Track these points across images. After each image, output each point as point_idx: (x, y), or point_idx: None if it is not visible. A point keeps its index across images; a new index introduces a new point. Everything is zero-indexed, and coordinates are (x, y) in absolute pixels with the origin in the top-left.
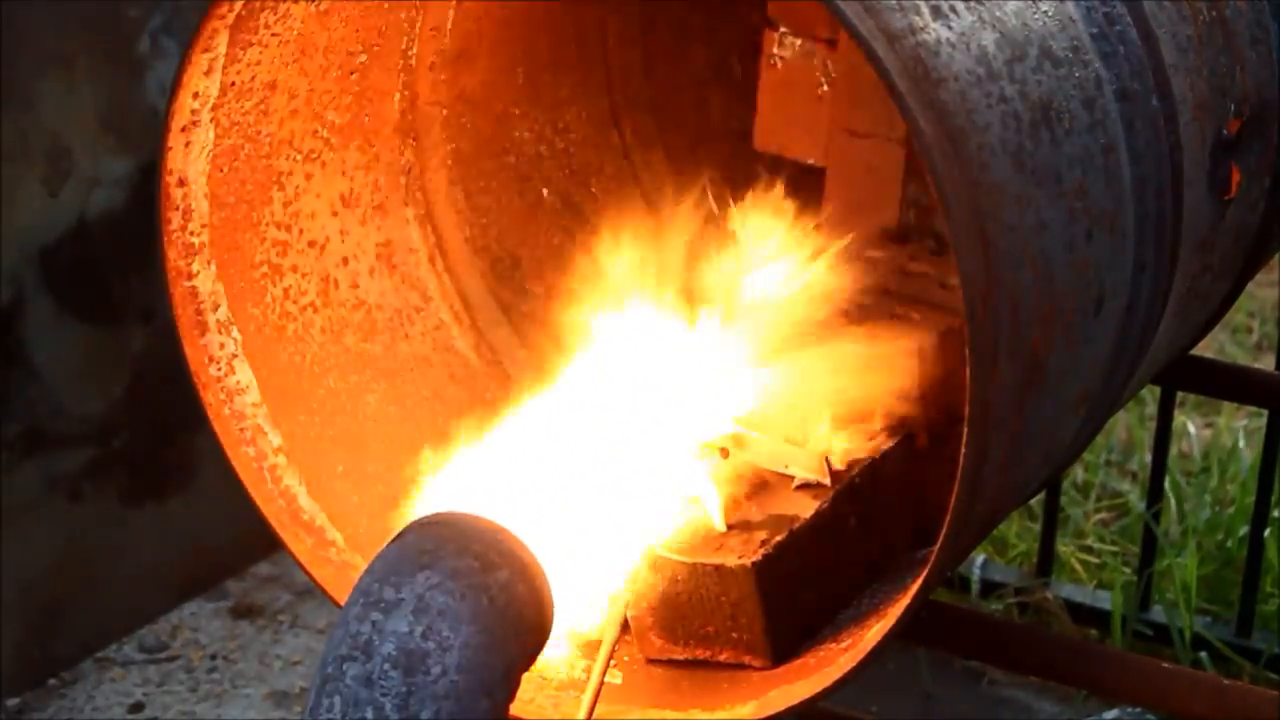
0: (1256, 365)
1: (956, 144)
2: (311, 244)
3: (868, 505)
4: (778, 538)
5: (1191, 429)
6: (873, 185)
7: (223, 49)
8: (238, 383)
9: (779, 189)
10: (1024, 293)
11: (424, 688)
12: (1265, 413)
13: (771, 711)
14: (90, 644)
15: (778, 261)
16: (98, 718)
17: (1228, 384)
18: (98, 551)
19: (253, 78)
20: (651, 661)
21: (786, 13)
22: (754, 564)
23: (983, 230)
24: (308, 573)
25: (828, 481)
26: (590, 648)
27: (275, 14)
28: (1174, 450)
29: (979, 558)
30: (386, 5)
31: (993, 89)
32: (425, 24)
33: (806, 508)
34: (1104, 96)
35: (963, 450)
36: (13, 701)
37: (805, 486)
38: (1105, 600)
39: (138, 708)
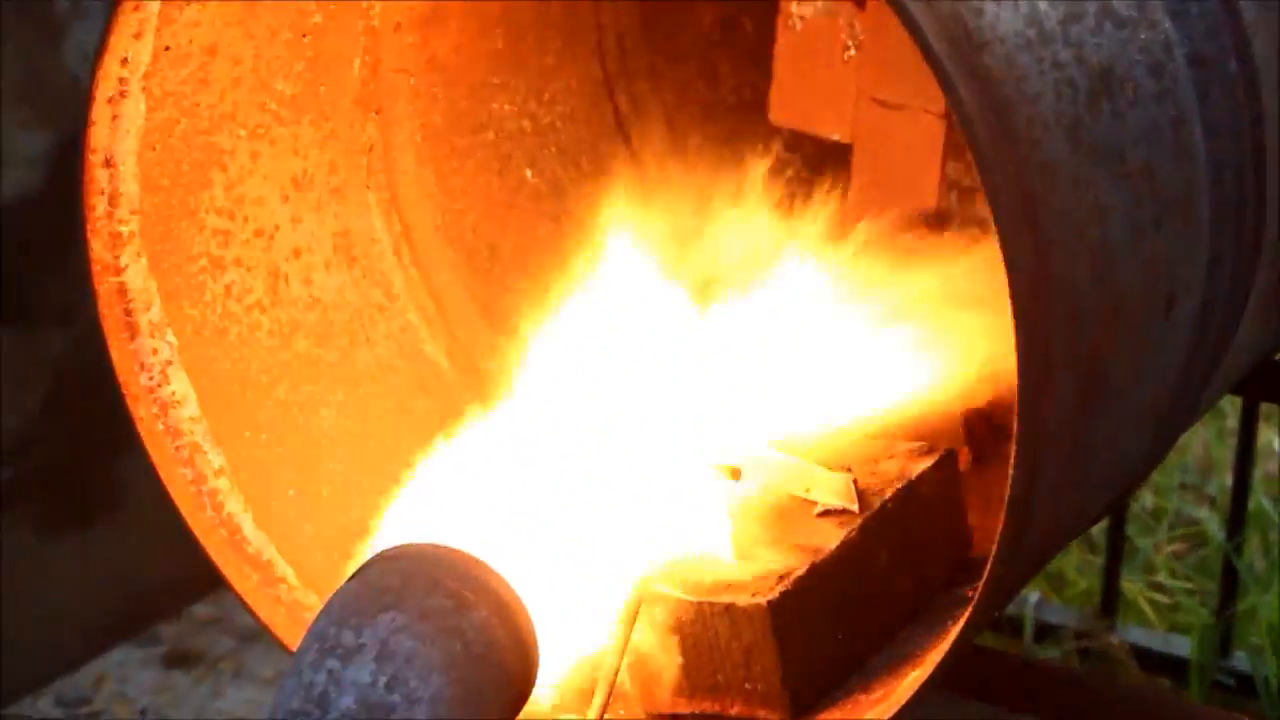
0: None
1: (1003, 117)
2: (258, 234)
3: (902, 535)
4: (797, 572)
5: (1278, 446)
6: (907, 165)
7: (155, 7)
8: (173, 394)
9: (798, 169)
10: (1082, 289)
11: None
12: None
13: None
14: None
15: (796, 253)
16: None
17: None
18: (9, 590)
19: (190, 41)
20: (652, 717)
21: None
22: (770, 603)
23: (1033, 217)
24: (253, 613)
25: (855, 507)
26: (582, 696)
27: None
28: (1259, 471)
29: (1032, 596)
30: None
31: (1045, 53)
32: None
33: (831, 538)
34: (1174, 61)
35: (1011, 471)
36: None
37: (829, 513)
38: (1180, 646)
39: None
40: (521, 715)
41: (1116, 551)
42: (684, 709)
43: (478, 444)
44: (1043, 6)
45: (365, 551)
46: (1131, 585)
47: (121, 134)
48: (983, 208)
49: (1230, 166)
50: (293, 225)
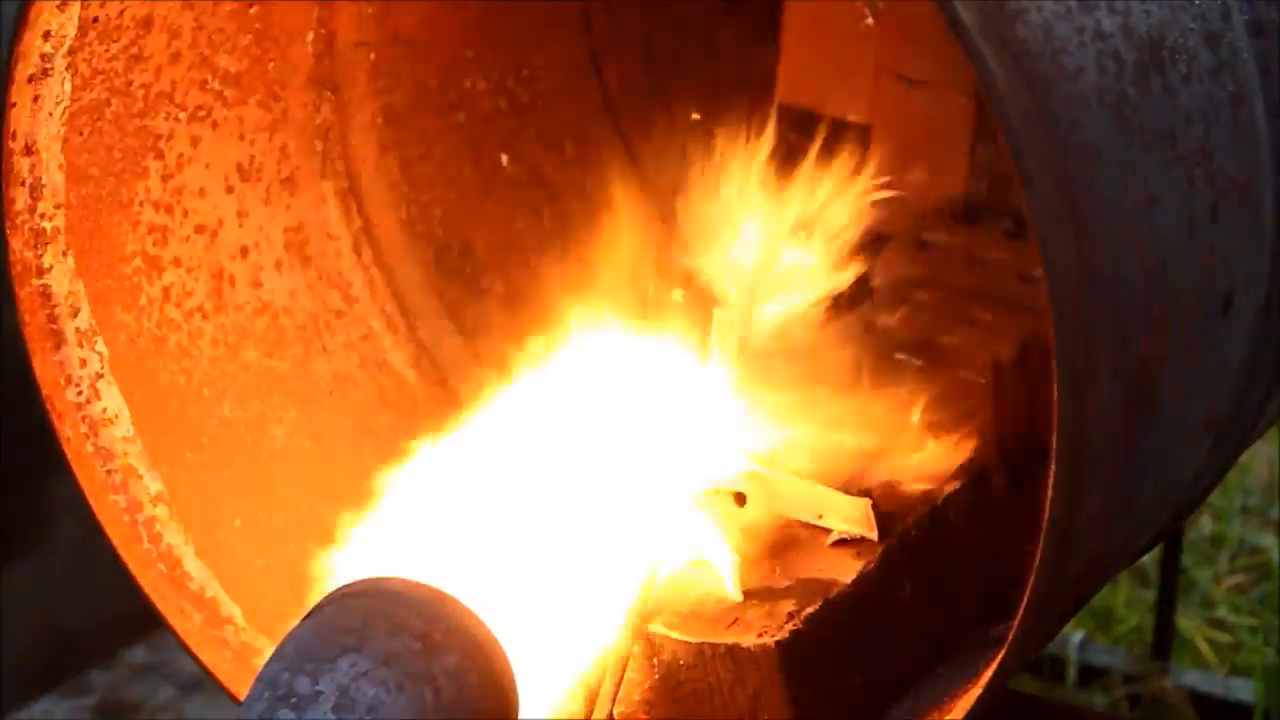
0: None
1: (1039, 94)
2: (200, 230)
3: (927, 566)
4: (809, 609)
5: None
6: (932, 148)
7: None
8: (104, 411)
9: (811, 154)
10: (1128, 288)
11: None
12: None
13: None
14: None
15: (810, 248)
16: None
17: None
18: None
19: (121, 12)
20: None
21: None
22: (779, 643)
23: (1074, 207)
24: (196, 658)
25: (874, 535)
26: None
27: None
28: None
29: (1076, 635)
30: None
31: (1087, 22)
32: None
33: (847, 570)
34: (1233, 30)
35: (1049, 494)
36: None
37: (845, 542)
38: (1242, 690)
39: None
40: None
41: (1170, 584)
42: None
43: (448, 465)
44: None
45: (322, 587)
46: (1188, 622)
47: (44, 117)
48: (1017, 197)
49: None
50: (239, 220)
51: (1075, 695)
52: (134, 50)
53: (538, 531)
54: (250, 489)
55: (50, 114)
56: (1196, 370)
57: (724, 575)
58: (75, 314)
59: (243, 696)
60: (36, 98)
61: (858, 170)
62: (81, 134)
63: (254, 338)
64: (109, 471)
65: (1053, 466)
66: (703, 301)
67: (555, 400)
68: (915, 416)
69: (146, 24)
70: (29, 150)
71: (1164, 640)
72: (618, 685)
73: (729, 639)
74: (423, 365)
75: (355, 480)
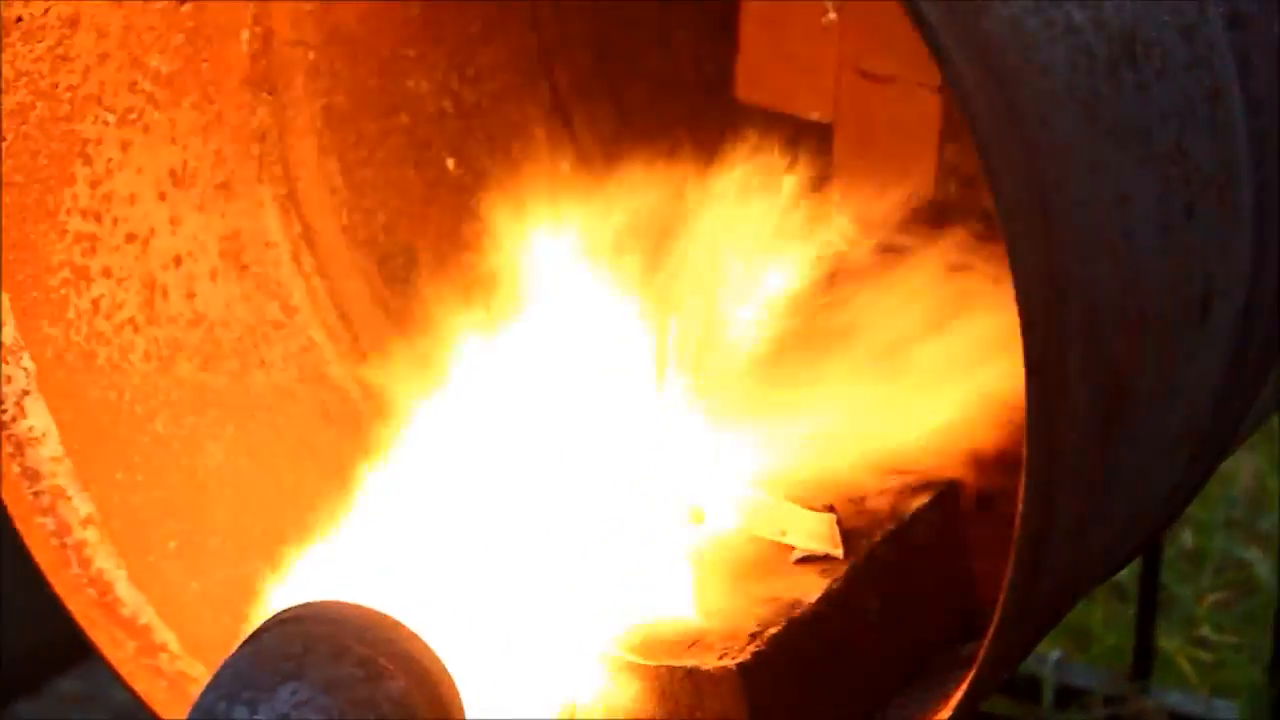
0: None
1: (1008, 91)
2: (130, 238)
3: (895, 584)
4: (772, 630)
5: None
6: (898, 148)
7: None
8: (31, 429)
9: (771, 154)
10: (1101, 291)
11: None
12: None
13: None
14: None
15: (770, 254)
16: None
17: None
18: None
19: (46, 11)
20: None
21: None
22: (740, 665)
23: (1044, 207)
24: (129, 687)
25: (840, 552)
26: None
27: None
28: None
29: (1053, 654)
30: None
31: (1057, 15)
32: None
33: (811, 589)
34: (1209, 24)
35: (1020, 508)
36: None
37: (809, 559)
38: (1226, 711)
39: None
40: None
41: (1150, 601)
42: None
43: (393, 483)
44: None
45: (260, 613)
46: (1169, 640)
47: None
48: (986, 198)
49: (1277, 144)
50: (171, 228)
51: (1052, 717)
52: (60, 51)
53: (489, 553)
54: (185, 510)
55: None
56: (1173, 377)
57: (683, 595)
58: None
59: None
60: None
61: (820, 171)
62: (5, 139)
63: (188, 351)
64: (36, 493)
65: (1024, 479)
66: (660, 309)
67: (505, 413)
68: (881, 427)
69: (73, 23)
70: None
71: (1144, 659)
72: (571, 712)
73: (688, 661)
74: (366, 379)
75: (296, 500)
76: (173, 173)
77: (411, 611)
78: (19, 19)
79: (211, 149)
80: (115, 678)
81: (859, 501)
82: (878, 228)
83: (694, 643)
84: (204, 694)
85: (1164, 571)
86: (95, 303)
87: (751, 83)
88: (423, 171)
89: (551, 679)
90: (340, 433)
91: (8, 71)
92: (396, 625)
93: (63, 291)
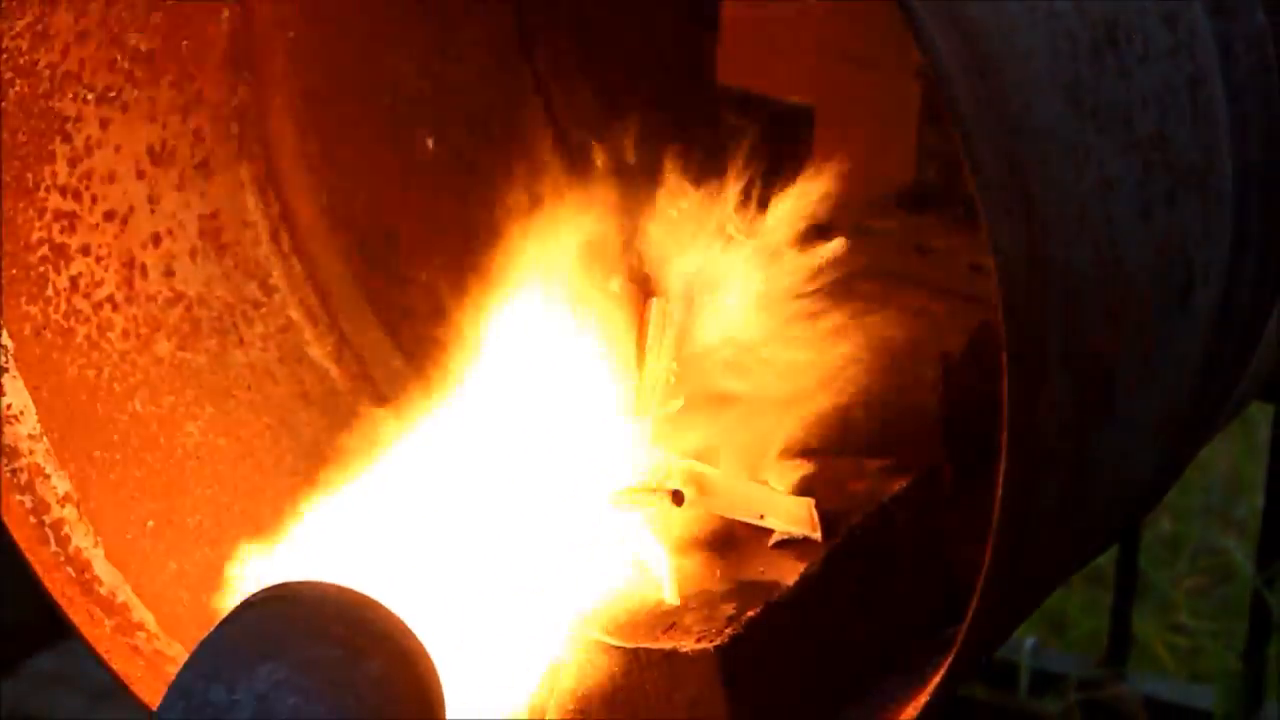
0: None
1: (989, 76)
2: (109, 216)
3: (873, 568)
4: (749, 613)
5: None
6: (878, 132)
7: None
8: (9, 407)
9: (750, 137)
10: (1082, 277)
11: None
12: None
13: None
14: None
15: (749, 237)
16: None
17: None
18: None
19: None
20: None
21: None
22: (717, 649)
23: (1025, 192)
24: (107, 666)
25: (818, 536)
26: None
27: None
28: None
29: (1029, 640)
30: None
31: (1039, 1)
32: None
33: (789, 572)
34: (1190, 10)
35: (999, 492)
36: None
37: (787, 543)
38: (1202, 696)
39: None
40: None
41: (1127, 587)
42: None
43: (374, 464)
44: None
45: (239, 592)
46: (1145, 626)
47: None
48: (967, 183)
49: (1258, 132)
50: (150, 206)
51: (1027, 702)
52: (39, 27)
53: (469, 533)
54: (163, 489)
55: None
56: (1153, 363)
57: (660, 578)
58: None
59: (156, 706)
60: None
61: (800, 155)
62: None
63: (167, 330)
64: (14, 470)
65: (1003, 464)
66: (639, 292)
67: (484, 395)
68: (861, 410)
69: (53, 0)
70: None
71: (1120, 645)
72: (549, 694)
73: (665, 644)
74: (345, 359)
75: (274, 479)
76: (152, 151)
77: (390, 592)
78: None
79: (191, 127)
80: (93, 656)
81: (837, 485)
82: (857, 210)
83: (671, 625)
84: (182, 673)
85: (1141, 557)
86: (74, 280)
87: (732, 66)
88: (402, 152)
89: (528, 659)
90: (319, 412)
91: None
92: (375, 605)
93: (41, 269)
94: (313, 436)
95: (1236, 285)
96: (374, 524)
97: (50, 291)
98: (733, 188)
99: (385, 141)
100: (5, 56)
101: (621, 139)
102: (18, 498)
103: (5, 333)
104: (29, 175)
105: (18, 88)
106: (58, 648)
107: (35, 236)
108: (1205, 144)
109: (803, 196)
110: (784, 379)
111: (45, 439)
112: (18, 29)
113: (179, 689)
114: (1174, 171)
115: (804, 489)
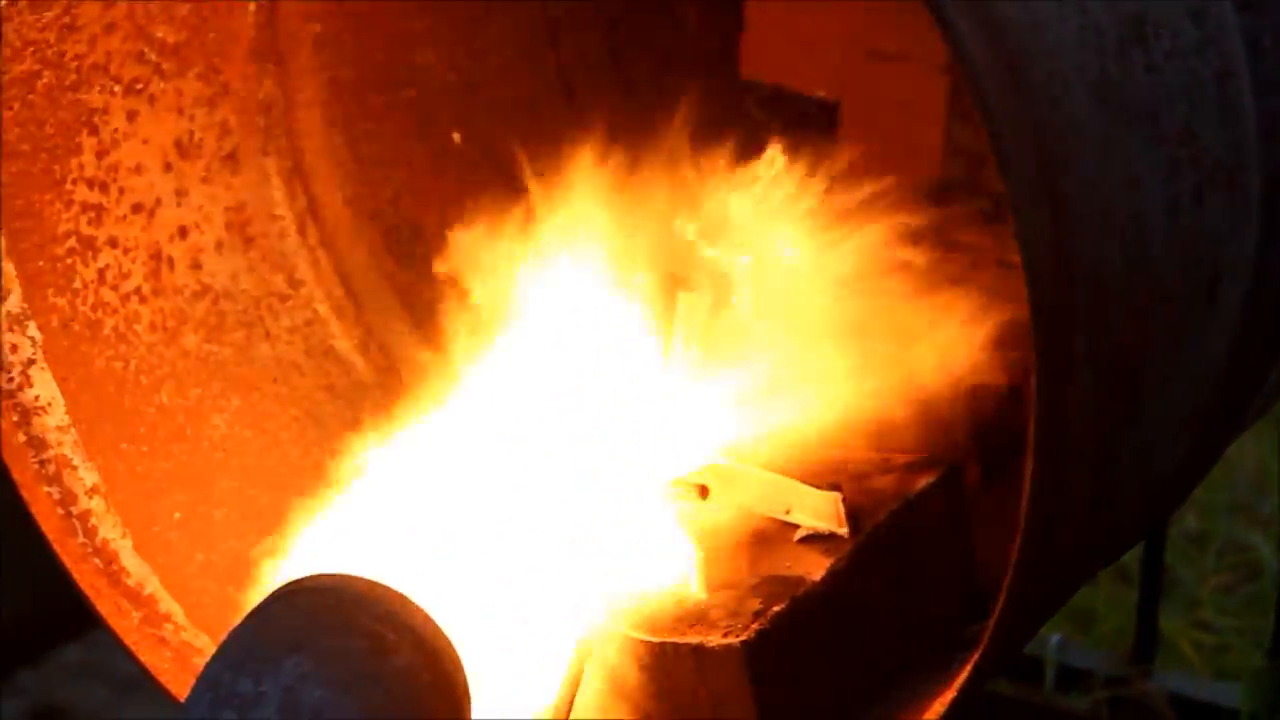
0: None
1: (1017, 70)
2: (137, 209)
3: (899, 564)
4: (776, 608)
5: None
6: (905, 127)
7: None
8: (36, 399)
9: (776, 132)
10: (1109, 273)
11: None
12: None
13: None
14: None
15: (775, 233)
16: None
17: None
18: None
19: None
20: None
21: None
22: (744, 644)
23: (1053, 188)
24: (134, 658)
25: (844, 531)
26: None
27: None
28: None
29: (1055, 636)
30: None
31: None
32: None
33: (816, 567)
34: (1218, 5)
35: (1027, 488)
36: None
37: (814, 538)
38: (1228, 694)
39: None
40: None
41: (1154, 584)
42: None
43: (398, 457)
44: None
45: (266, 584)
46: (1171, 623)
47: None
48: (994, 177)
49: None
50: (177, 199)
51: (1053, 699)
52: (66, 20)
53: (496, 527)
54: (190, 481)
55: None
56: (1180, 359)
57: (687, 572)
58: (6, 297)
59: (183, 698)
60: None
61: (825, 151)
62: (11, 108)
63: (194, 322)
64: (42, 462)
65: (1030, 459)
66: (667, 286)
67: (512, 388)
68: (889, 407)
69: None
70: None
71: (1146, 642)
72: (574, 688)
73: (693, 638)
74: (371, 351)
75: (300, 472)
76: (179, 143)
77: (417, 585)
78: None
79: (217, 120)
80: (119, 648)
81: (864, 480)
82: (883, 205)
83: (698, 620)
84: (209, 665)
85: (1168, 554)
86: (101, 273)
87: (757, 60)
88: (428, 144)
89: (553, 654)
90: (345, 405)
91: (14, 40)
92: (402, 599)
93: (69, 261)
94: (338, 429)
95: (1264, 282)
96: (399, 517)
97: (78, 284)
98: (759, 182)
99: (412, 134)
100: (33, 48)
101: (647, 133)
102: (46, 489)
103: (33, 324)
104: (56, 167)
105: (45, 79)
106: (84, 639)
107: (63, 229)
108: (1232, 141)
109: (829, 192)
110: (812, 373)
111: (73, 431)
112: (45, 21)
113: (206, 680)
114: (1201, 168)
115: (831, 484)
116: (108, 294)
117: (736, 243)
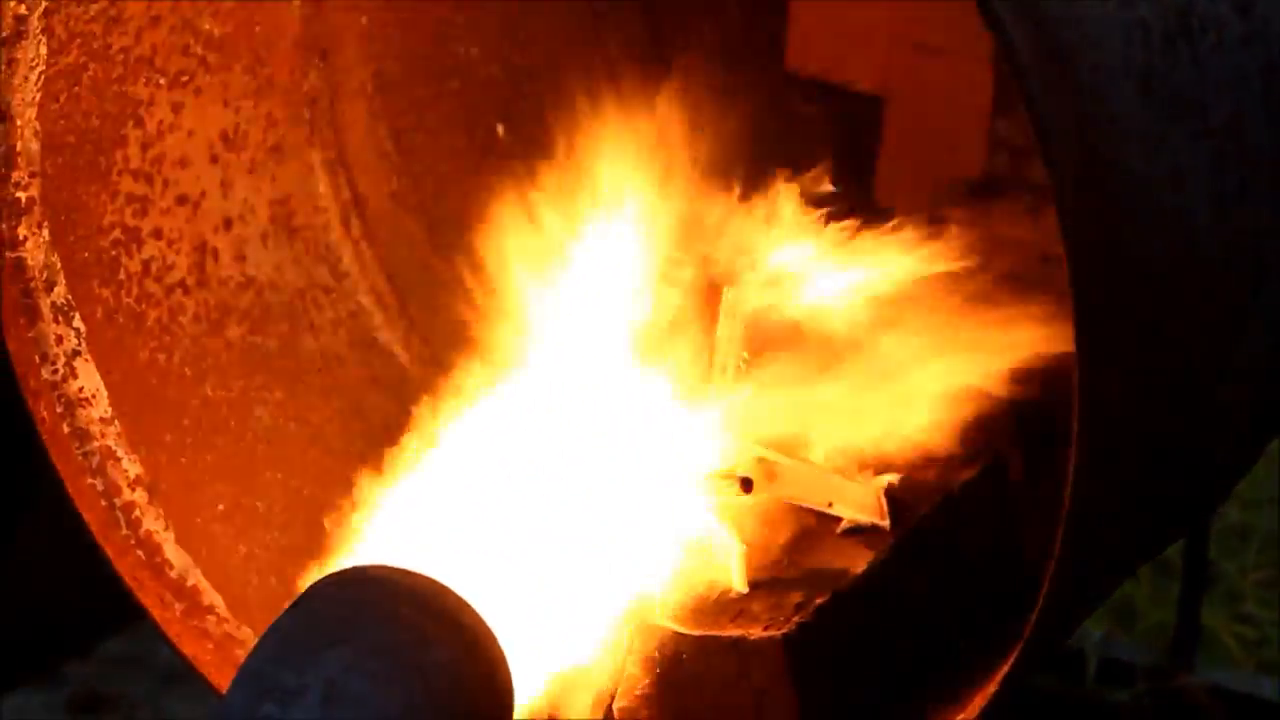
0: None
1: (1063, 64)
2: (181, 200)
3: (941, 557)
4: (818, 601)
5: None
6: (949, 120)
7: None
8: (80, 390)
9: (821, 125)
10: (1154, 266)
11: None
12: None
13: None
14: None
15: (820, 227)
16: None
17: None
18: None
19: None
20: None
21: None
22: (785, 637)
23: (1097, 182)
24: (176, 649)
25: (886, 524)
26: None
27: None
28: None
29: (1097, 631)
30: None
31: None
32: None
33: (857, 560)
34: None
35: (1070, 482)
36: None
37: (856, 531)
38: (1270, 688)
39: None
40: None
41: (1196, 577)
42: None
43: (443, 449)
44: None
45: (308, 576)
46: (1214, 617)
47: (19, 82)
48: (1039, 171)
49: None
50: (222, 191)
51: (1095, 692)
52: (112, 12)
53: (540, 520)
54: (234, 472)
55: (25, 79)
56: (1224, 354)
57: (729, 565)
58: (51, 288)
59: (225, 689)
60: (10, 61)
61: (870, 144)
62: (58, 100)
63: (238, 314)
64: (86, 454)
65: (1073, 453)
66: (712, 280)
67: (554, 381)
68: (932, 402)
69: None
70: (3, 116)
71: (1188, 636)
72: (616, 680)
73: (733, 631)
74: (414, 344)
75: (344, 464)
76: (224, 135)
77: (460, 578)
78: None
79: (262, 112)
80: (163, 639)
81: (906, 474)
82: (927, 199)
83: (739, 613)
84: (251, 656)
85: (1210, 547)
86: (146, 264)
87: (802, 52)
88: (473, 137)
89: (596, 646)
90: (388, 397)
91: (61, 32)
92: (445, 591)
93: (113, 253)
94: (382, 421)
95: None
96: (442, 508)
97: (122, 275)
98: (805, 176)
99: (456, 126)
100: (79, 41)
101: (691, 126)
102: (89, 481)
103: (79, 316)
104: (102, 159)
105: (91, 72)
106: (128, 631)
107: (108, 220)
108: (1279, 135)
109: (874, 185)
110: (856, 371)
111: (117, 423)
112: (91, 13)
113: (248, 672)
114: (1247, 162)
115: (873, 476)
116: (152, 286)
117: (781, 238)
